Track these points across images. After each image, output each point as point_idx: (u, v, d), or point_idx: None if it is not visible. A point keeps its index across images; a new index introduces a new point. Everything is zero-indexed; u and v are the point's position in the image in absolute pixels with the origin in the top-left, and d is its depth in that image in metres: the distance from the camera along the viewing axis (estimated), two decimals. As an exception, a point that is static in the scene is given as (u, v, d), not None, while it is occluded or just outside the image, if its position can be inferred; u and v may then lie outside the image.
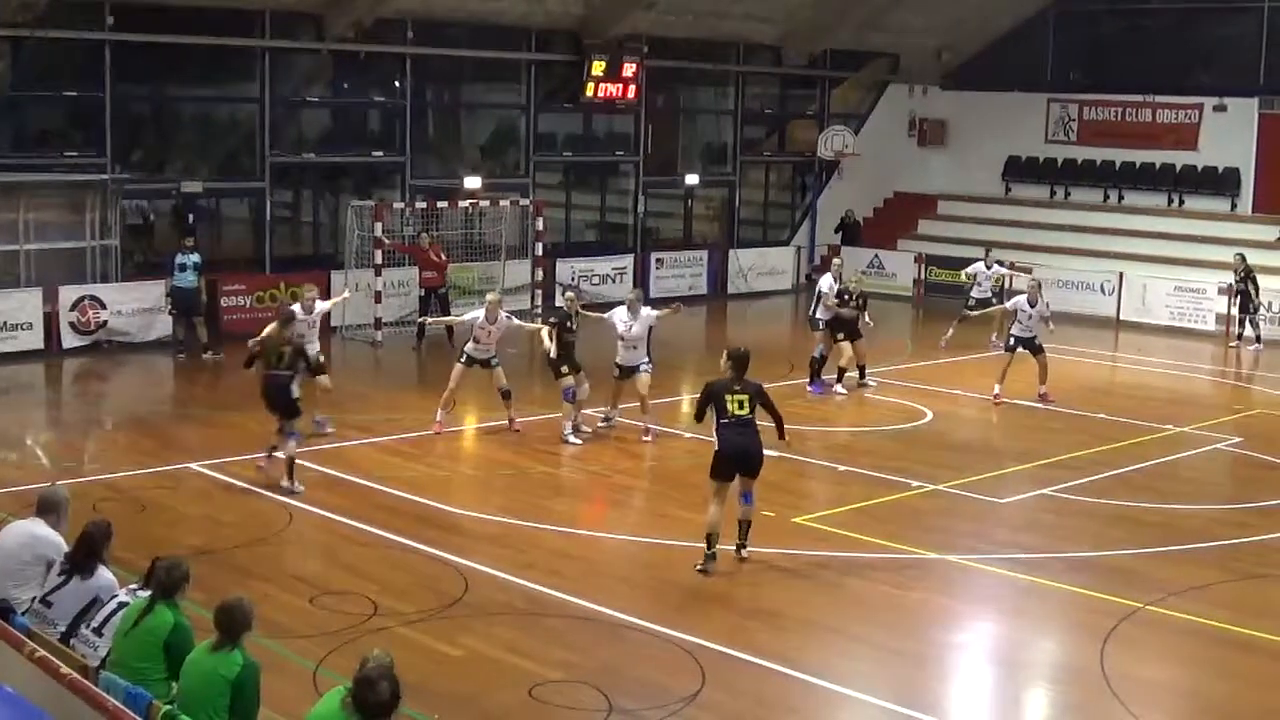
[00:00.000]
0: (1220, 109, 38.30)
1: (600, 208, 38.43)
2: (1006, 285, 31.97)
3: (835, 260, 27.91)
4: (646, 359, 21.43)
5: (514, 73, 34.59)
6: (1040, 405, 24.41)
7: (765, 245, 40.10)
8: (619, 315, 21.44)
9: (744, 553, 15.76)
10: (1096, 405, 24.68)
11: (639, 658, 13.08)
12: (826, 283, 25.25)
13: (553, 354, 20.68)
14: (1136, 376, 28.85)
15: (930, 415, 23.33)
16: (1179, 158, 39.05)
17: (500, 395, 21.31)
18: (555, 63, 34.68)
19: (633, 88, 35.14)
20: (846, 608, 14.80)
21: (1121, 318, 34.76)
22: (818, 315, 25.17)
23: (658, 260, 36.12)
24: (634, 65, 34.87)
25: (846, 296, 25.05)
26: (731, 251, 38.36)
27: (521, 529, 16.82)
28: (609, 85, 34.65)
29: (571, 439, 20.90)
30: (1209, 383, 28.84)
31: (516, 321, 22.14)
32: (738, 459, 15.51)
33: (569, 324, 21.16)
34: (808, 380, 25.06)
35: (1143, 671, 13.28)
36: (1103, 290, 35.35)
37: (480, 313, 21.40)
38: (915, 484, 19.09)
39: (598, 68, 34.23)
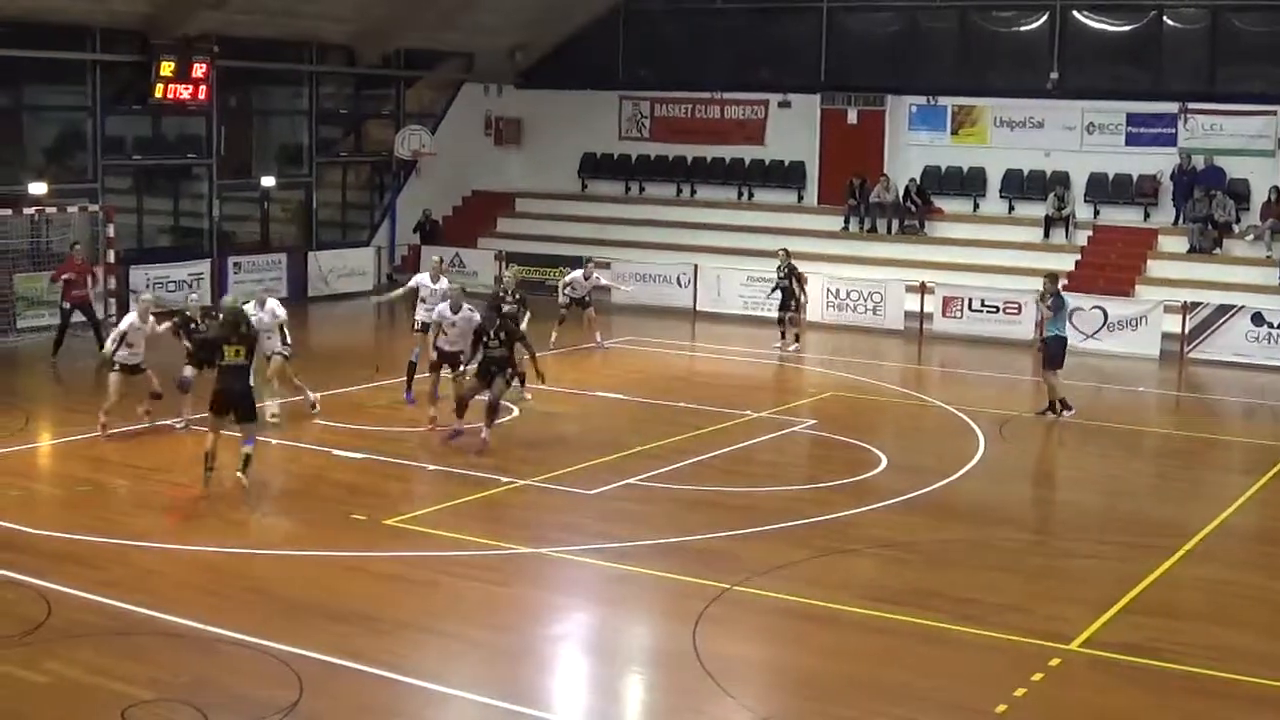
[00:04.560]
0: (785, 105, 39.80)
1: (174, 212, 37.37)
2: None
3: (434, 258, 27.53)
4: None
5: (78, 74, 33.28)
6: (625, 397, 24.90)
7: (345, 247, 39.69)
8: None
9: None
10: (677, 394, 25.28)
11: (233, 671, 12.78)
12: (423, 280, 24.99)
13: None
14: (714, 365, 29.68)
15: (517, 411, 23.47)
16: (748, 152, 40.42)
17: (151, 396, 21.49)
18: (121, 63, 33.53)
19: (204, 88, 34.26)
20: (443, 607, 14.78)
21: (698, 309, 35.72)
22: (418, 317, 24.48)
23: (235, 264, 35.34)
24: (204, 65, 33.99)
25: (504, 294, 25.09)
26: (311, 254, 37.86)
27: (104, 546, 16.23)
28: (179, 86, 33.68)
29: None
30: (783, 369, 29.83)
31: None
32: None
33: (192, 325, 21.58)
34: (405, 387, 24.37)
35: (734, 650, 13.67)
36: (679, 282, 36.25)
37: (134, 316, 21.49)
38: (504, 480, 19.21)
39: (166, 68, 33.24)
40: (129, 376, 21.17)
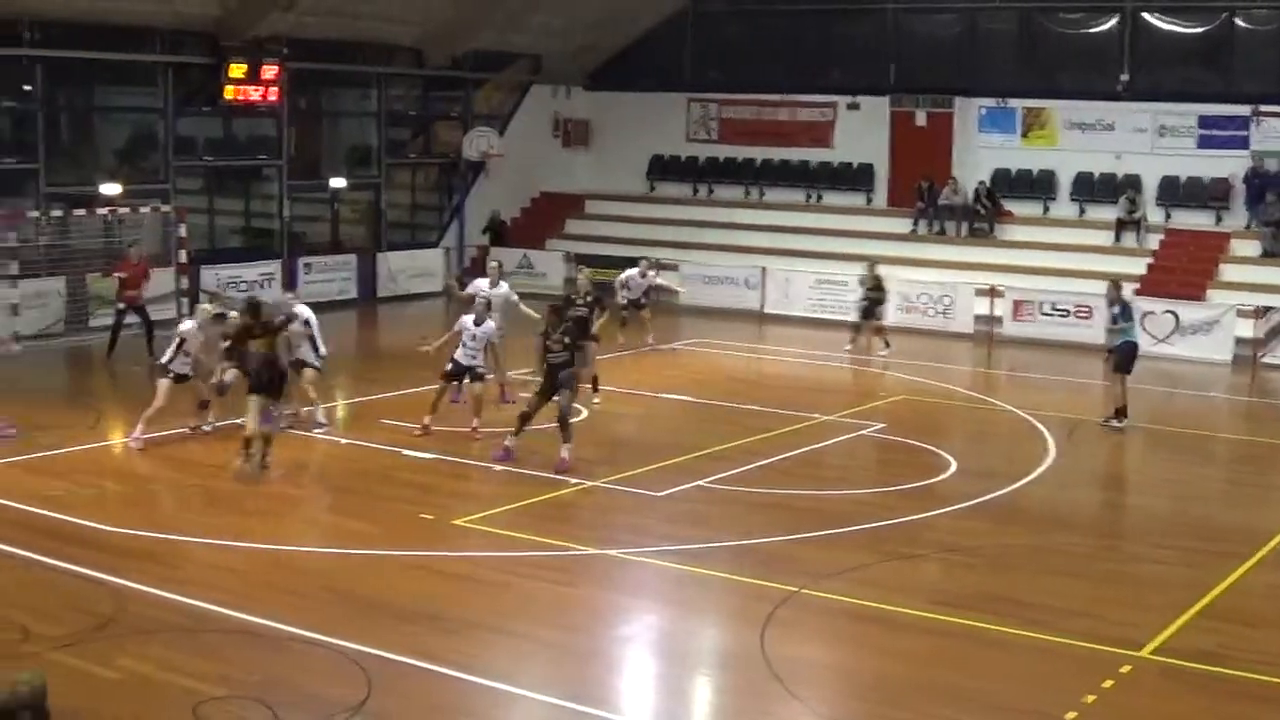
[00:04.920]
0: (854, 107, 39.68)
1: (245, 212, 37.65)
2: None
3: (492, 263, 27.47)
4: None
5: (150, 75, 33.59)
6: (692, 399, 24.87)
7: (414, 248, 39.87)
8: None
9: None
10: (745, 397, 25.24)
11: (303, 669, 12.85)
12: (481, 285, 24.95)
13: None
14: (782, 368, 29.62)
15: (585, 413, 23.48)
16: (816, 155, 40.36)
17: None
18: (193, 65, 33.79)
19: (274, 90, 34.52)
20: (511, 607, 14.80)
21: (766, 311, 35.68)
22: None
23: (305, 265, 35.57)
24: (274, 67, 34.26)
25: (575, 297, 25.07)
26: (380, 255, 38.04)
27: (175, 543, 16.37)
28: (249, 88, 33.96)
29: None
30: (852, 372, 29.77)
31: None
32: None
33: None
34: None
35: (801, 653, 13.64)
36: (747, 284, 36.24)
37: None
38: (573, 481, 19.23)
39: (237, 70, 33.53)
40: (176, 385, 20.97)
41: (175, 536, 16.55)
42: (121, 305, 28.06)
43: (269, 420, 19.59)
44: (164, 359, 21.21)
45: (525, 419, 20.24)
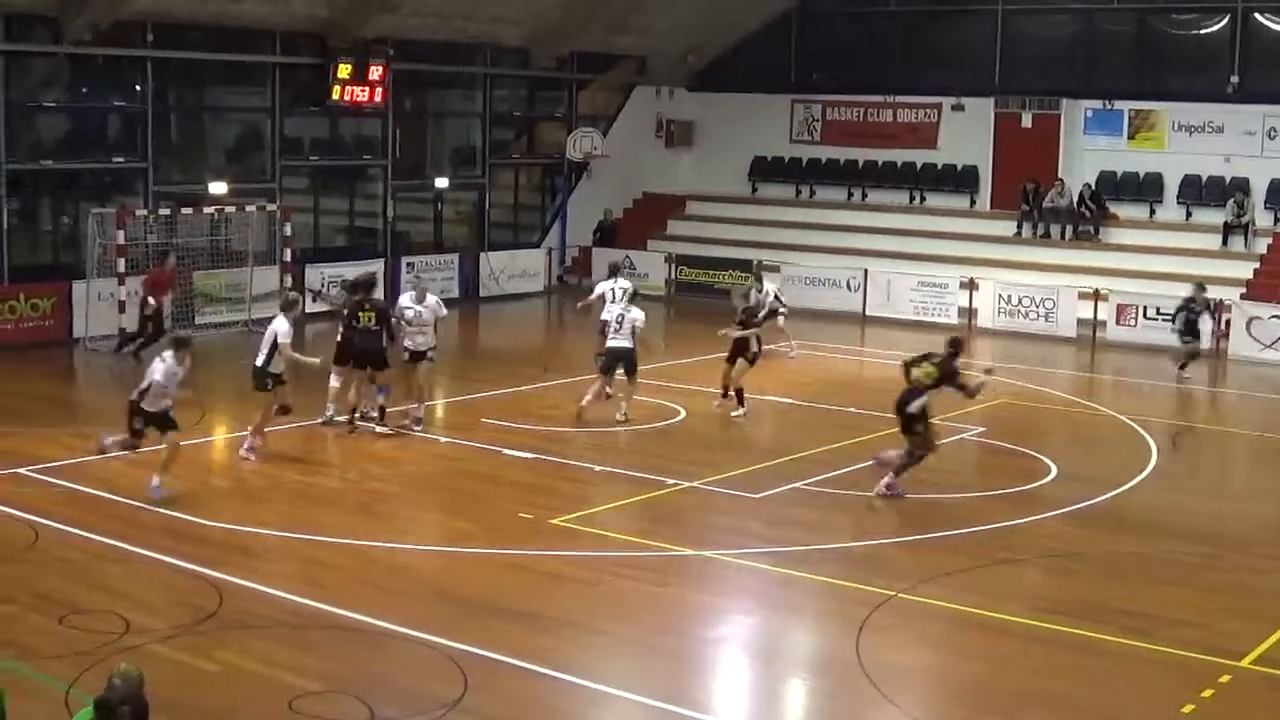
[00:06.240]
0: (958, 109, 39.35)
1: (349, 212, 37.95)
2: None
3: (610, 263, 27.25)
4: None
5: (259, 76, 33.95)
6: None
7: (516, 248, 40.05)
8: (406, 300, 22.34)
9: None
10: (845, 399, 25.12)
11: (400, 665, 12.96)
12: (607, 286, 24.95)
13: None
14: (883, 370, 29.36)
15: (684, 413, 23.52)
16: (920, 156, 40.04)
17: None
18: (301, 66, 34.14)
19: (380, 91, 34.81)
20: (606, 607, 14.86)
21: (867, 313, 35.51)
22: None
23: (408, 264, 35.81)
24: (380, 68, 34.55)
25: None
26: (482, 254, 38.24)
27: (276, 539, 16.59)
28: (355, 88, 34.26)
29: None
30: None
31: None
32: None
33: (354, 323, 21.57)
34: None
35: (897, 657, 13.59)
36: (849, 286, 36.07)
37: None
38: (670, 481, 19.24)
39: (344, 71, 33.84)
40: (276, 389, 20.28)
41: (276, 532, 16.78)
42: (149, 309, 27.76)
43: (384, 392, 21.51)
44: (259, 361, 20.11)
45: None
